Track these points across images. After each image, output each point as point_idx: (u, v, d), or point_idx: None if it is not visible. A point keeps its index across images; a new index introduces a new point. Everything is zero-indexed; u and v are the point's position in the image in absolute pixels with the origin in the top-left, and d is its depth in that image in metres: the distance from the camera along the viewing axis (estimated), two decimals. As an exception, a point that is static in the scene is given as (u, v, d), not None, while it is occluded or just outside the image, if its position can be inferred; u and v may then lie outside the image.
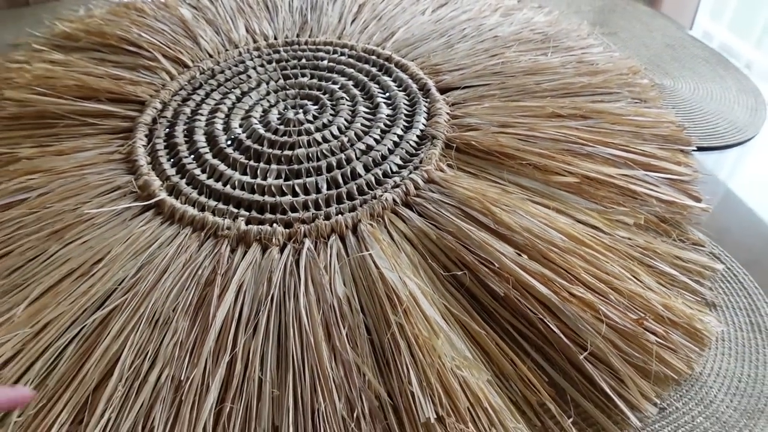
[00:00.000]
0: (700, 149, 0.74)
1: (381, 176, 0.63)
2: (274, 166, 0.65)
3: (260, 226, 0.58)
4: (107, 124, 0.72)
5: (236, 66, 0.81)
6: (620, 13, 1.00)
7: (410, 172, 0.64)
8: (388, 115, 0.71)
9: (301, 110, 0.73)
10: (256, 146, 0.67)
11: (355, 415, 0.45)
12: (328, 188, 0.63)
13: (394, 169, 0.65)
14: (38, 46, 0.86)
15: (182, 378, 0.47)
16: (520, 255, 0.55)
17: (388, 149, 0.66)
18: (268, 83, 0.78)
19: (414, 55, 0.82)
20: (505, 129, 0.69)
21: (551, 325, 0.50)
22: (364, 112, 0.72)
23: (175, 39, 0.85)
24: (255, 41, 0.86)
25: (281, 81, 0.78)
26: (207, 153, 0.67)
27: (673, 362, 0.49)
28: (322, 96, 0.75)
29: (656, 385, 0.49)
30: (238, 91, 0.77)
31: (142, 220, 0.61)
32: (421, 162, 0.65)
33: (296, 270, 0.56)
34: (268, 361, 0.49)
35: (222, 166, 0.65)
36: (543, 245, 0.55)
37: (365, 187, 0.62)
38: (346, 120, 0.70)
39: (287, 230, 0.58)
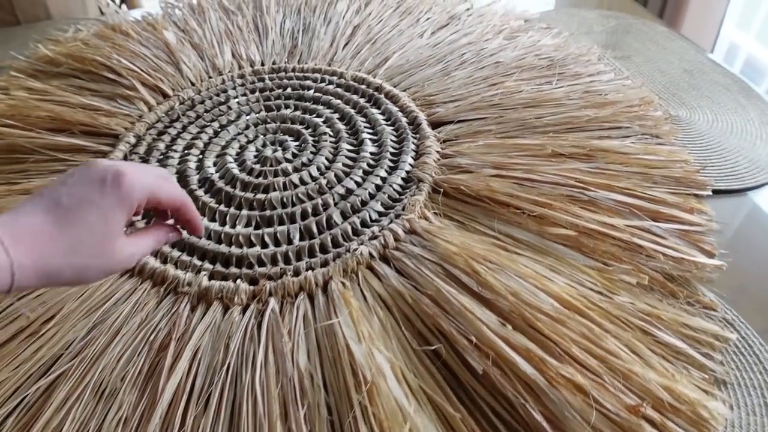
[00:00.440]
0: (716, 192, 0.67)
1: (359, 225, 0.58)
2: (244, 212, 0.60)
3: (223, 283, 0.54)
4: (78, 159, 0.69)
5: (217, 95, 0.77)
6: (635, 35, 0.93)
7: (391, 221, 0.58)
8: (372, 154, 0.66)
9: (279, 147, 0.68)
10: (228, 188, 0.62)
11: None
12: (301, 238, 0.58)
13: (374, 216, 0.59)
14: (15, 74, 0.83)
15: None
16: (504, 325, 0.49)
17: (369, 193, 0.61)
18: (248, 115, 0.73)
19: (407, 84, 0.77)
20: (500, 171, 0.63)
21: (534, 412, 0.44)
22: (347, 150, 0.66)
23: (156, 65, 0.80)
24: (240, 67, 0.82)
25: (263, 113, 0.73)
26: (176, 195, 0.63)
27: (672, 459, 0.43)
28: (303, 131, 0.70)
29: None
30: (216, 124, 0.72)
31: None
32: (403, 209, 0.59)
33: (257, 335, 0.51)
34: (217, 442, 0.44)
35: (190, 212, 0.61)
36: (531, 313, 0.49)
37: (340, 238, 0.57)
38: (327, 159, 0.65)
39: (252, 287, 0.53)
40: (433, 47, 0.83)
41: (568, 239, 0.57)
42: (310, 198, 0.61)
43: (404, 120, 0.70)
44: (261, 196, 0.61)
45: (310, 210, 0.60)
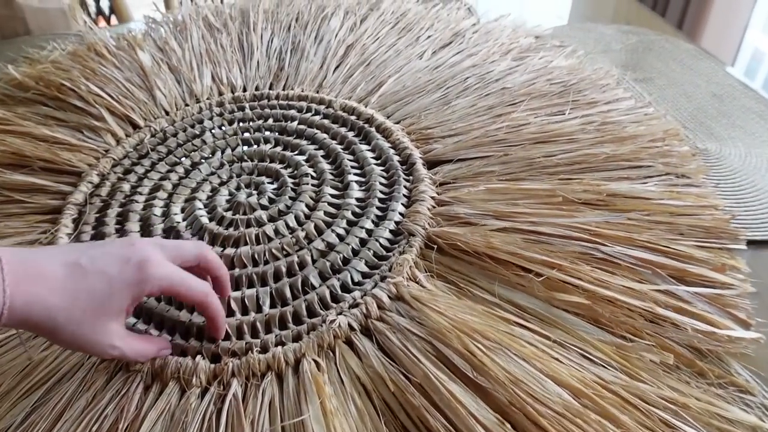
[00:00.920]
0: (751, 243, 0.58)
1: (338, 289, 0.51)
2: (210, 271, 0.53)
3: (181, 359, 0.47)
4: (35, 201, 0.62)
5: (192, 127, 0.70)
6: (657, 53, 0.84)
7: (375, 284, 0.51)
8: (358, 200, 0.59)
9: (255, 191, 0.61)
10: (194, 241, 0.55)
11: None
12: (272, 304, 0.50)
13: (356, 278, 0.52)
14: (-24, 101, 0.77)
15: None
16: (502, 423, 0.42)
17: (352, 249, 0.54)
18: (223, 152, 0.66)
19: (401, 114, 0.69)
20: (503, 222, 0.55)
21: None
22: (331, 195, 0.59)
23: (128, 92, 0.74)
24: (220, 93, 0.75)
25: (240, 148, 0.66)
26: (136, 249, 0.56)
27: None
28: (283, 171, 0.62)
29: None
30: (188, 161, 0.65)
31: (45, 340, 0.50)
32: (390, 269, 0.52)
33: (216, 425, 0.44)
34: None
35: (149, 269, 0.54)
36: (535, 407, 0.42)
37: (317, 305, 0.50)
38: (307, 206, 0.58)
39: (213, 366, 0.46)
40: (433, 71, 0.75)
41: (580, 307, 0.50)
42: (286, 254, 0.54)
43: (396, 159, 0.63)
44: (230, 251, 0.54)
45: (284, 269, 0.52)
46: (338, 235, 0.55)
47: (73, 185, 0.64)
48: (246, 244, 0.55)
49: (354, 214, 0.57)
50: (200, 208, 0.59)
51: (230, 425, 0.43)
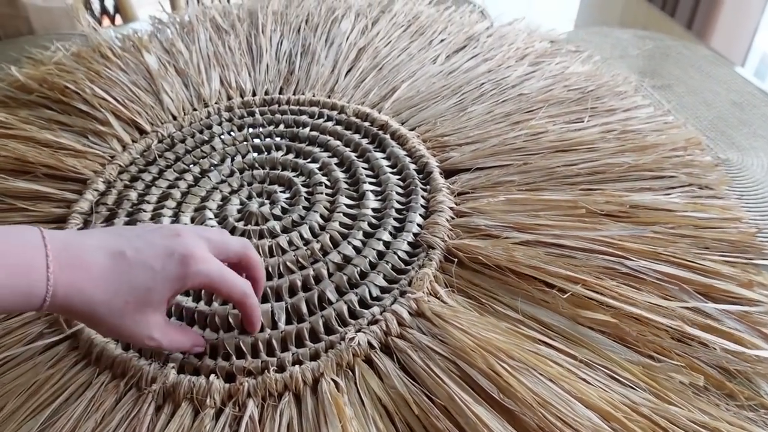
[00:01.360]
0: (777, 258, 0.57)
1: (356, 304, 0.49)
2: (223, 284, 0.51)
3: (194, 378, 0.45)
4: (39, 210, 0.60)
5: (201, 132, 0.68)
6: (675, 59, 0.82)
7: (394, 300, 0.49)
8: (374, 210, 0.57)
9: (267, 200, 0.59)
10: (204, 253, 0.53)
11: None
12: (287, 320, 0.49)
13: (375, 293, 0.50)
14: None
15: None
16: (531, 448, 0.40)
17: (370, 262, 0.52)
18: (233, 159, 0.64)
19: (416, 121, 0.67)
20: (524, 235, 0.54)
21: None
22: (346, 205, 0.57)
23: (134, 95, 0.72)
24: (229, 97, 0.73)
25: (251, 155, 0.64)
26: (145, 260, 0.54)
27: None
28: (296, 180, 0.60)
29: None
30: (197, 169, 0.63)
31: (53, 356, 0.48)
32: (410, 284, 0.50)
33: (231, 450, 0.42)
34: None
35: (159, 282, 0.52)
36: (563, 431, 0.40)
37: (334, 321, 0.48)
38: (322, 216, 0.56)
39: (227, 385, 0.44)
40: (448, 75, 0.73)
41: (606, 325, 0.48)
42: (301, 267, 0.52)
43: (412, 167, 0.61)
44: (243, 263, 0.52)
45: (299, 283, 0.51)
46: (355, 248, 0.53)
47: (78, 193, 0.62)
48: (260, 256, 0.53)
49: (370, 225, 0.55)
50: (210, 218, 0.57)
51: (246, 450, 0.41)
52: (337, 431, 0.41)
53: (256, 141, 0.66)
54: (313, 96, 0.72)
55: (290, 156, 0.64)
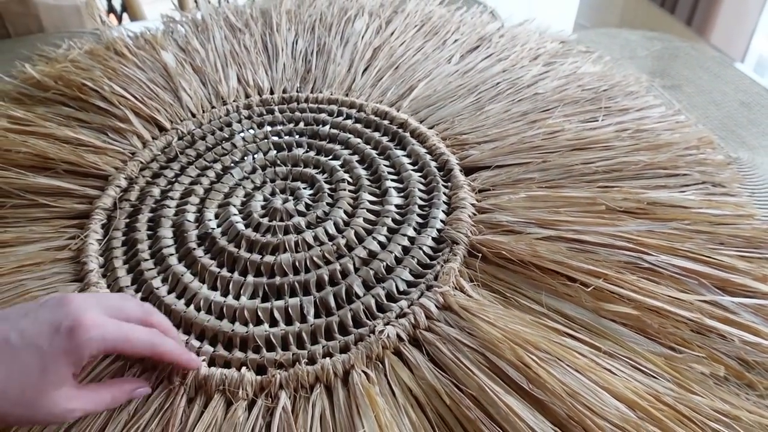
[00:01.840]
0: (790, 254, 0.58)
1: (384, 298, 0.50)
2: (250, 279, 0.52)
3: (225, 371, 0.45)
4: (61, 206, 0.60)
5: (221, 129, 0.68)
6: (683, 60, 0.84)
7: (421, 294, 0.50)
8: (398, 207, 0.58)
9: (291, 196, 0.60)
10: (231, 248, 0.54)
11: None
12: (316, 314, 0.49)
13: (401, 287, 0.51)
14: (-4, 100, 0.74)
15: None
16: (562, 437, 0.41)
17: (396, 257, 0.53)
18: (255, 155, 0.65)
19: (435, 119, 0.68)
20: (546, 231, 0.55)
21: None
22: (369, 201, 0.58)
23: (152, 93, 0.72)
24: (247, 95, 0.73)
25: (272, 152, 0.65)
26: (172, 255, 0.54)
27: None
28: (318, 176, 0.61)
29: None
30: (219, 166, 0.64)
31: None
32: (436, 278, 0.51)
33: (266, 439, 0.43)
34: None
35: (187, 276, 0.52)
36: (594, 421, 0.41)
37: (363, 315, 0.49)
38: (345, 212, 0.57)
39: (259, 378, 0.45)
40: (463, 75, 0.74)
41: (628, 318, 0.49)
42: (327, 262, 0.53)
43: (433, 164, 0.62)
44: (269, 258, 0.53)
45: (326, 278, 0.51)
46: (380, 243, 0.54)
47: (99, 189, 0.62)
48: (285, 251, 0.53)
49: (394, 221, 0.56)
50: (235, 214, 0.57)
51: (281, 440, 0.42)
52: (371, 421, 0.42)
53: (277, 138, 0.67)
54: (331, 94, 0.72)
55: (311, 153, 0.64)
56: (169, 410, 0.44)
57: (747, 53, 1.64)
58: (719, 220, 0.58)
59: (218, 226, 0.57)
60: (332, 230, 0.55)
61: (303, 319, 0.49)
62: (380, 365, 0.46)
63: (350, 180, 0.60)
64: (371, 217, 0.57)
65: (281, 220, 0.57)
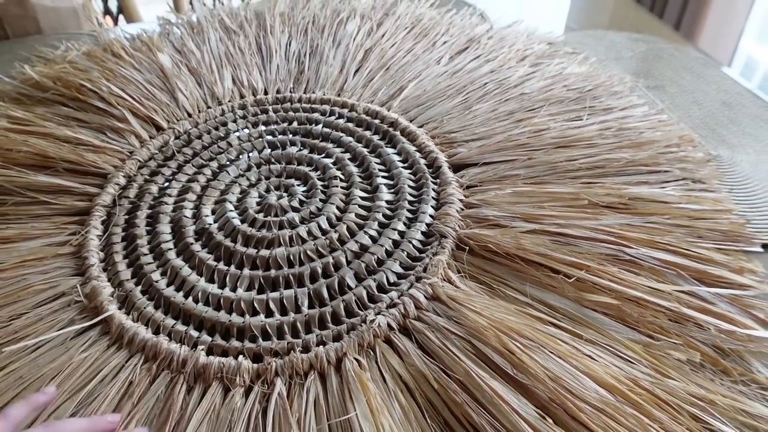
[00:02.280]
0: (765, 248, 0.60)
1: (375, 289, 0.52)
2: (246, 272, 0.54)
3: (223, 359, 0.47)
4: (61, 203, 0.62)
5: (216, 129, 0.70)
6: (667, 61, 0.86)
7: (411, 285, 0.52)
8: (388, 202, 0.60)
9: (285, 193, 0.62)
10: (227, 243, 0.56)
11: None
12: (310, 305, 0.51)
13: (392, 278, 0.53)
14: (-6, 101, 0.76)
15: None
16: (543, 418, 0.43)
17: (386, 251, 0.55)
18: (250, 153, 0.67)
19: (424, 119, 0.70)
20: (530, 224, 0.57)
21: None
22: (361, 197, 0.60)
23: (149, 93, 0.74)
24: (242, 96, 0.75)
25: (266, 151, 0.67)
26: (170, 249, 0.56)
27: None
28: (311, 174, 0.63)
29: None
30: (215, 164, 0.65)
31: (86, 341, 0.50)
32: (425, 270, 0.53)
33: (262, 424, 0.45)
34: None
35: (185, 270, 0.54)
36: (575, 403, 0.43)
37: (355, 305, 0.51)
38: (338, 208, 0.59)
39: (255, 366, 0.47)
40: (452, 76, 0.76)
41: (609, 307, 0.51)
42: (320, 255, 0.55)
43: (422, 162, 0.64)
44: (264, 252, 0.55)
45: (320, 270, 0.53)
46: (371, 237, 0.56)
47: (99, 187, 0.64)
48: (280, 245, 0.55)
49: (385, 216, 0.58)
50: (231, 210, 0.59)
51: (277, 423, 0.44)
52: (362, 405, 0.44)
53: (271, 137, 0.69)
54: (324, 95, 0.75)
55: (305, 151, 0.67)
56: (170, 398, 0.46)
57: (734, 56, 1.67)
58: (698, 215, 0.60)
59: (215, 221, 0.59)
60: (325, 225, 0.57)
61: (297, 309, 0.51)
62: (371, 353, 0.48)
63: (342, 177, 0.62)
64: (363, 212, 0.59)
65: (276, 215, 0.59)
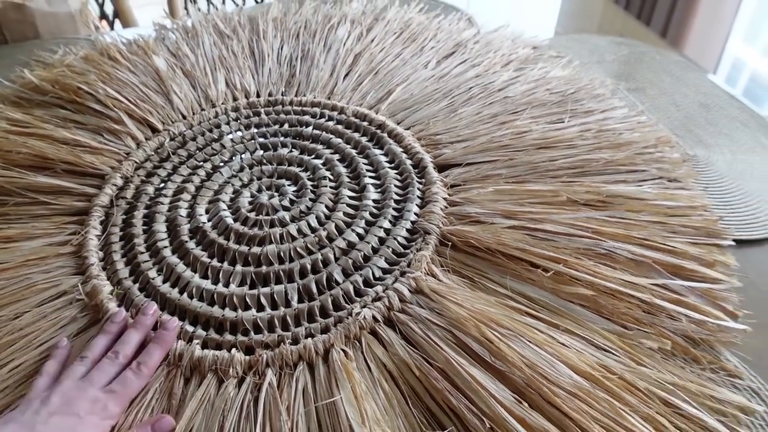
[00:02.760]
0: (738, 243, 0.63)
1: (361, 284, 0.54)
2: (239, 268, 0.56)
3: (217, 352, 0.50)
4: (61, 203, 0.64)
5: (210, 131, 0.73)
6: (648, 64, 0.89)
7: (395, 279, 0.54)
8: (375, 201, 0.62)
9: (276, 193, 0.64)
10: (221, 240, 0.58)
11: None
12: (299, 299, 0.54)
13: (378, 273, 0.56)
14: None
15: None
16: (519, 402, 0.45)
17: (372, 247, 0.57)
18: (242, 155, 0.69)
19: (411, 121, 0.73)
20: (512, 221, 0.59)
21: None
22: (349, 196, 0.62)
23: (145, 96, 0.76)
24: (235, 98, 0.78)
25: (258, 152, 0.69)
26: (166, 248, 0.59)
27: None
28: (302, 174, 0.66)
29: None
30: (209, 165, 0.68)
31: (87, 340, 0.52)
32: (409, 265, 0.56)
33: (254, 411, 0.47)
34: None
35: (180, 267, 0.56)
36: (548, 387, 0.46)
37: (342, 300, 0.53)
38: (327, 207, 0.61)
39: (247, 357, 0.49)
40: (439, 80, 0.79)
41: (585, 299, 0.54)
42: (310, 252, 0.57)
43: (408, 162, 0.66)
44: (256, 249, 0.57)
45: (309, 266, 0.56)
46: (358, 235, 0.58)
47: (96, 187, 0.66)
48: (271, 243, 0.58)
49: (372, 214, 0.61)
50: (224, 209, 0.62)
51: (268, 411, 0.46)
52: (348, 392, 0.46)
53: (263, 139, 0.71)
54: (314, 98, 0.77)
55: (295, 153, 0.69)
56: (168, 389, 0.48)
57: (721, 58, 1.71)
58: (673, 212, 0.63)
59: (209, 220, 0.61)
60: (314, 223, 0.60)
61: (287, 304, 0.53)
62: (357, 344, 0.50)
63: (331, 177, 0.65)
64: (350, 211, 0.61)
65: (267, 214, 0.61)
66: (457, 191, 0.63)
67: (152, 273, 0.56)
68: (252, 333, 0.51)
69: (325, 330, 0.51)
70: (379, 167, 0.66)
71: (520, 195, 0.62)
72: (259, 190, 0.65)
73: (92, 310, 0.54)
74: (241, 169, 0.67)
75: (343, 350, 0.50)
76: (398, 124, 0.72)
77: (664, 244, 0.59)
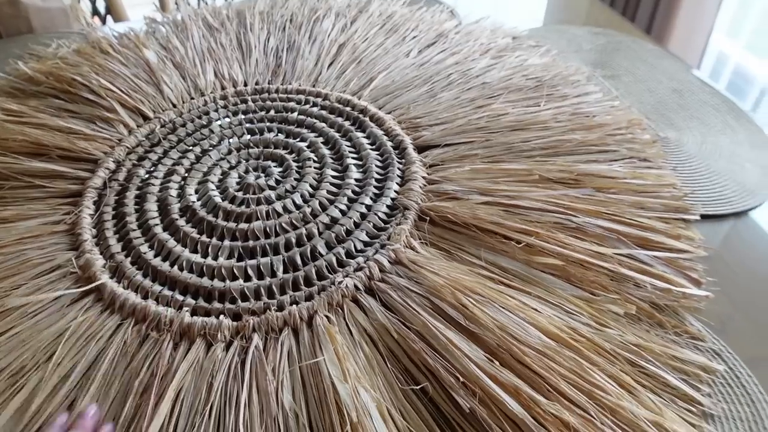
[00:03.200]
0: (705, 217, 0.66)
1: (343, 256, 0.57)
2: (227, 243, 0.59)
3: (205, 319, 0.52)
4: (55, 186, 0.67)
5: (199, 118, 0.75)
6: (624, 53, 0.92)
7: (376, 252, 0.57)
8: (357, 180, 0.65)
9: (262, 173, 0.67)
10: (209, 218, 0.61)
11: None
12: (284, 270, 0.56)
13: (359, 246, 0.58)
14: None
15: None
16: (491, 361, 0.48)
17: (354, 222, 0.60)
18: (230, 139, 0.72)
19: (392, 106, 0.76)
20: (487, 197, 0.62)
21: (522, 454, 0.43)
22: (332, 176, 0.65)
23: (136, 86, 0.79)
24: (223, 87, 0.80)
25: (245, 136, 0.72)
26: (157, 225, 0.61)
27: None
28: (287, 156, 0.68)
29: None
30: (198, 149, 0.71)
31: (81, 307, 0.55)
32: (389, 238, 0.58)
33: (241, 373, 0.50)
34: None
35: (171, 242, 0.59)
36: (518, 347, 0.49)
37: (325, 270, 0.56)
38: (311, 186, 0.64)
39: (235, 323, 0.52)
40: (419, 67, 0.82)
41: (555, 268, 0.57)
42: (294, 227, 0.60)
43: (389, 144, 0.69)
44: (243, 225, 0.60)
45: (293, 240, 0.58)
46: (341, 211, 0.61)
47: (90, 171, 0.69)
48: (258, 219, 0.60)
49: (354, 192, 0.64)
50: (213, 189, 0.64)
51: (254, 372, 0.49)
52: (330, 354, 0.49)
53: (250, 124, 0.74)
54: (299, 85, 0.80)
55: (281, 136, 0.72)
56: (158, 354, 0.51)
57: (704, 54, 1.74)
58: (642, 189, 0.66)
59: (198, 199, 0.64)
60: (299, 201, 0.62)
61: (273, 274, 0.56)
62: (340, 310, 0.53)
63: (315, 158, 0.68)
64: (333, 189, 0.64)
65: (254, 193, 0.64)
66: (435, 170, 0.66)
67: (144, 248, 0.59)
68: (239, 301, 0.54)
69: (309, 298, 0.54)
70: (361, 149, 0.69)
71: (495, 173, 0.65)
72: (247, 171, 0.67)
73: (86, 281, 0.56)
74: (229, 152, 0.70)
75: (327, 316, 0.52)
76: (380, 108, 0.75)
77: (633, 219, 0.62)
